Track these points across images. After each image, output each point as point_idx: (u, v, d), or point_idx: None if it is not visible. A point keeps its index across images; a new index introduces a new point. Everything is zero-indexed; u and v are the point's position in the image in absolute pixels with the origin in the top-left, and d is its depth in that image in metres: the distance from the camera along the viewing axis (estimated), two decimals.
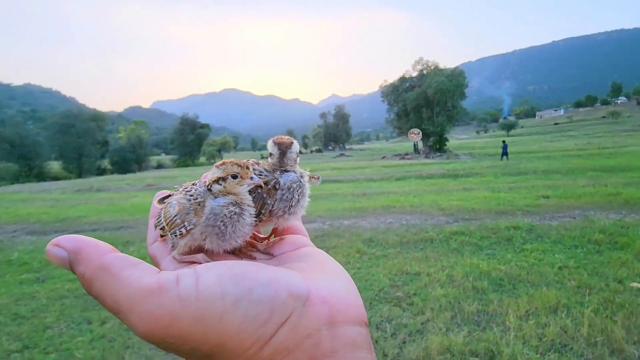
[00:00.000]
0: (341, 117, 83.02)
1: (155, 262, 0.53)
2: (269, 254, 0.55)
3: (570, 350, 3.23)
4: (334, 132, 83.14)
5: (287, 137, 0.61)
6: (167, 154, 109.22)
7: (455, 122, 43.83)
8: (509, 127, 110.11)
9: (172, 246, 0.52)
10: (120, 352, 3.52)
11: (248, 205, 0.53)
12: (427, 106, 41.34)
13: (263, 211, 0.56)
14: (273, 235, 0.61)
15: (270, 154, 0.60)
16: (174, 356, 0.42)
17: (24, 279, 5.59)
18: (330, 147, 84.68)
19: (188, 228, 0.50)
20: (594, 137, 51.34)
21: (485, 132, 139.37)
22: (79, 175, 51.72)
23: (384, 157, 38.97)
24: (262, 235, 0.62)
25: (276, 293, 0.39)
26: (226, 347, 0.37)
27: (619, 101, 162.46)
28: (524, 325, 3.61)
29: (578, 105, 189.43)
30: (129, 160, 62.96)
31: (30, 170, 51.65)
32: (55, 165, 58.22)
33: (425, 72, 43.75)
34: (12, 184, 36.54)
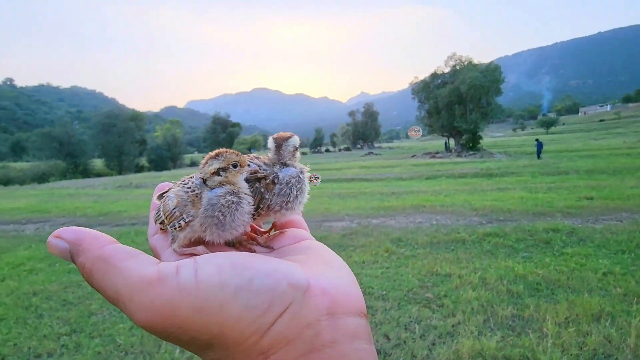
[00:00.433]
0: (370, 115, 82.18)
1: (155, 254, 0.53)
2: (269, 247, 0.55)
3: None
4: (363, 130, 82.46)
5: (288, 133, 0.61)
6: (200, 152, 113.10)
7: (489, 120, 41.98)
8: (548, 124, 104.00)
9: (172, 239, 0.52)
10: (158, 340, 3.70)
11: (245, 193, 0.53)
12: (460, 103, 39.92)
13: (261, 205, 0.56)
14: (273, 229, 0.61)
15: (269, 149, 0.61)
16: None
17: (72, 268, 5.99)
18: (359, 146, 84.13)
19: (187, 220, 0.50)
20: None
21: (522, 130, 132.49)
22: (119, 172, 54.71)
23: (413, 156, 38.18)
24: (262, 229, 0.62)
25: (276, 283, 0.39)
26: (226, 337, 0.37)
27: None
28: (563, 332, 3.44)
29: (627, 100, 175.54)
30: (165, 158, 65.86)
31: (76, 167, 55.23)
32: (98, 163, 61.89)
33: (458, 67, 42.26)
34: (60, 179, 39.28)
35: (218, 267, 0.39)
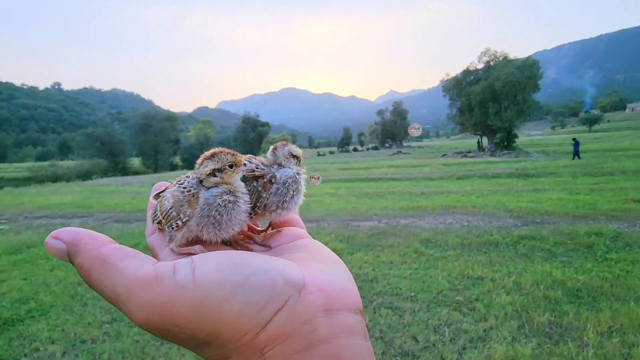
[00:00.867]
0: (399, 113, 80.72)
1: (153, 254, 0.53)
2: (266, 245, 0.55)
3: None
4: (391, 129, 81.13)
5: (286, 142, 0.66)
6: None
7: (526, 117, 39.94)
8: (591, 121, 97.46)
9: (170, 238, 0.52)
10: None
11: (242, 192, 0.53)
12: (494, 100, 38.29)
13: (258, 204, 0.56)
14: (270, 228, 0.62)
15: (268, 154, 0.64)
16: None
17: None
18: (387, 145, 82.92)
19: (184, 220, 0.50)
20: None
21: (562, 128, 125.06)
22: (155, 170, 57.35)
23: (444, 155, 37.13)
24: (259, 228, 0.62)
25: (273, 281, 0.39)
26: (223, 334, 0.38)
27: None
28: (605, 342, 3.25)
29: None
30: (197, 156, 67.48)
31: (116, 165, 58.46)
32: (135, 161, 65.18)
33: (492, 63, 40.61)
34: (102, 177, 41.71)
35: (215, 265, 0.40)
